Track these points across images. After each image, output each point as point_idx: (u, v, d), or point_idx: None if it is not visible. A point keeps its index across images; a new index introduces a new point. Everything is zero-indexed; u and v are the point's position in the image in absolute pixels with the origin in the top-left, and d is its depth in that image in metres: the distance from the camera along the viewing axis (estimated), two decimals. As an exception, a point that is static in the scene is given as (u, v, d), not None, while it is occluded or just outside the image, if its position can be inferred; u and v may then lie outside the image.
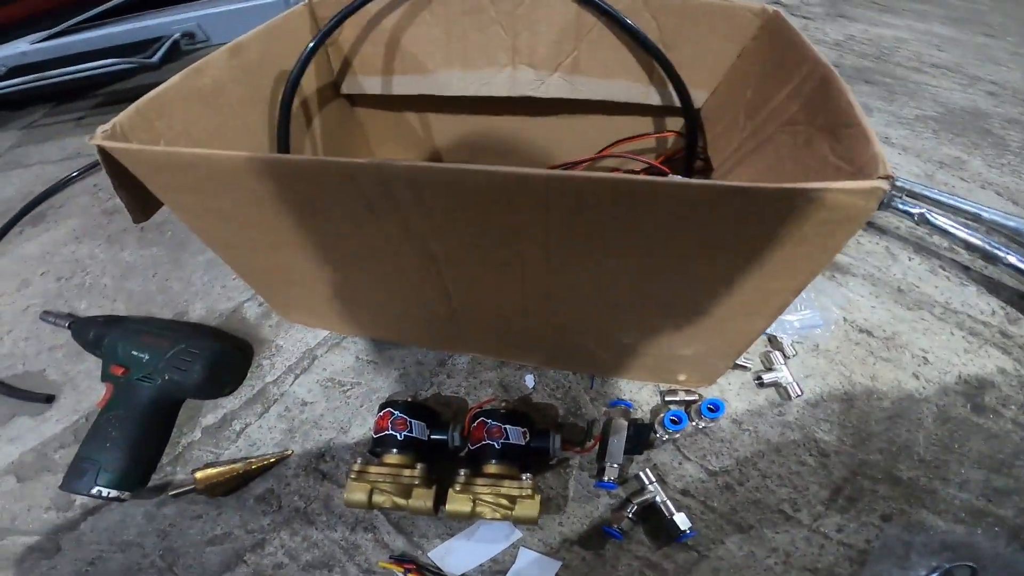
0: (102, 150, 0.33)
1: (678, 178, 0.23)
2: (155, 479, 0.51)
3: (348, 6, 0.49)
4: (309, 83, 0.53)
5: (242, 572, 0.48)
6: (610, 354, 0.47)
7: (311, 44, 0.49)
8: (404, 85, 0.55)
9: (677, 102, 0.50)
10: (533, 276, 0.34)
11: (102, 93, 1.16)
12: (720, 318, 0.36)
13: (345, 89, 0.57)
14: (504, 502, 0.43)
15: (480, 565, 0.46)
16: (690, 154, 0.52)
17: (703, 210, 0.25)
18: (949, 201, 0.61)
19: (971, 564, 0.43)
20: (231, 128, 0.43)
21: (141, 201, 0.36)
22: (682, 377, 0.49)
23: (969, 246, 0.58)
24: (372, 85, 0.56)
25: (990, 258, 0.57)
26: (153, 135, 0.37)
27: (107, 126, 0.34)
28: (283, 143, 0.49)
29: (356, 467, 0.45)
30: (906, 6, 1.09)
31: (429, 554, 0.47)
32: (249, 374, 0.56)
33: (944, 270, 0.59)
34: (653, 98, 0.51)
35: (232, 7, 0.90)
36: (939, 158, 0.76)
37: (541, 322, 0.43)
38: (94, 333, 0.54)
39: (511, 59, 0.51)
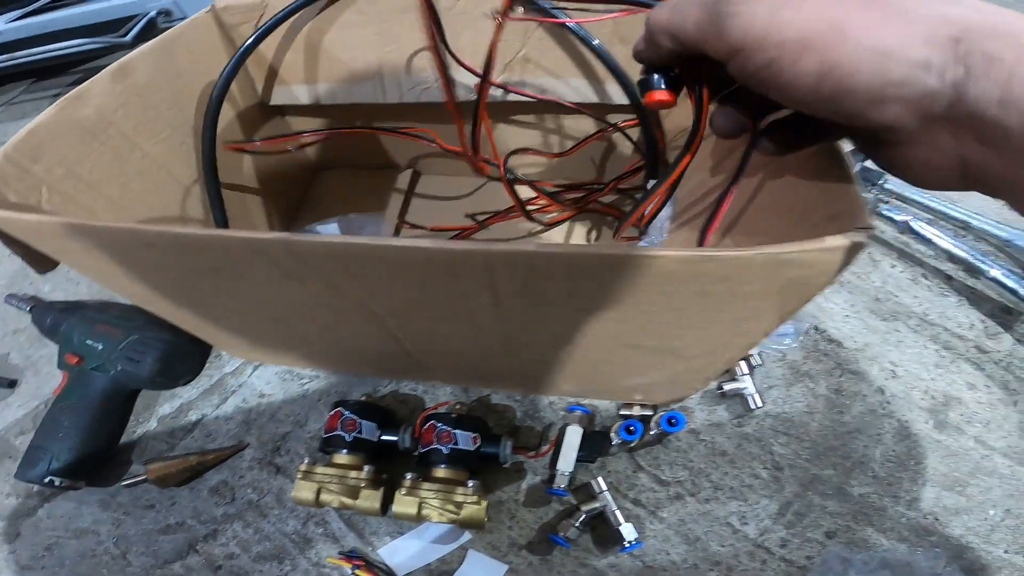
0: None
1: (637, 247, 0.21)
2: (112, 465, 0.51)
3: (274, 17, 0.45)
4: (228, 99, 0.48)
5: (194, 561, 0.49)
6: (576, 385, 0.46)
7: (235, 59, 0.45)
8: (333, 94, 0.51)
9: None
10: (487, 327, 0.31)
11: (81, 70, 1.13)
12: (686, 356, 0.34)
13: (274, 100, 0.52)
14: (450, 507, 0.43)
15: (428, 565, 0.46)
16: (652, 157, 0.50)
17: (671, 277, 0.23)
18: (938, 206, 0.59)
19: (907, 584, 0.43)
20: (129, 162, 0.38)
21: (38, 255, 0.31)
22: (638, 397, 0.48)
23: (952, 257, 0.56)
24: (301, 94, 0.52)
25: (973, 270, 0.55)
26: (32, 182, 0.32)
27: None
28: (211, 173, 0.45)
29: (303, 467, 0.45)
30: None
31: (379, 551, 0.47)
32: (207, 364, 0.55)
33: (926, 279, 0.57)
34: (609, 95, 0.47)
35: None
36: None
37: (502, 361, 0.41)
38: (51, 319, 0.53)
39: (452, 61, 0.46)
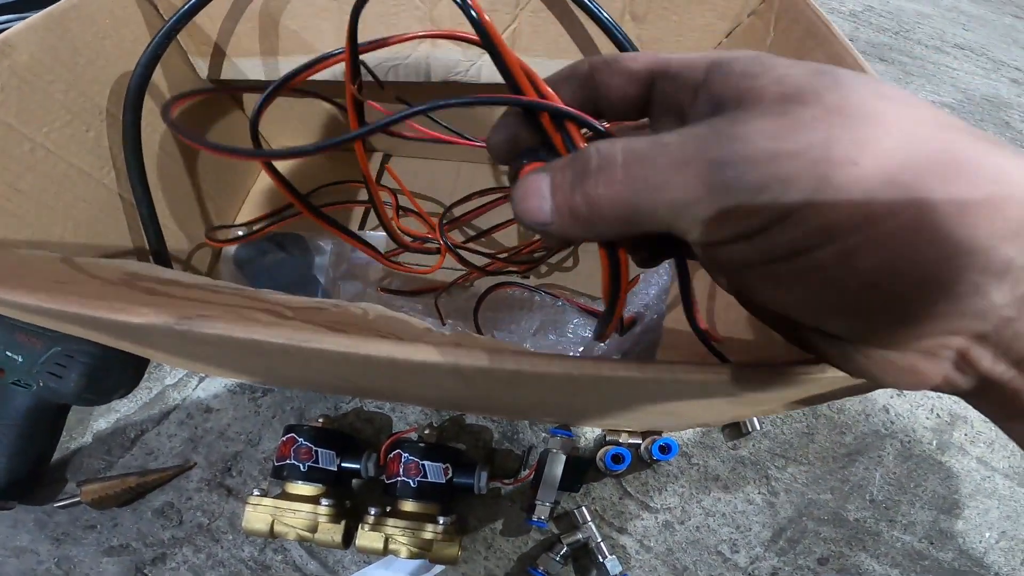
0: None
1: (646, 366, 0.16)
2: (45, 484, 0.46)
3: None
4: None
5: (142, 587, 0.45)
6: (558, 419, 0.42)
7: (164, 31, 0.36)
8: (288, 69, 0.43)
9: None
10: (455, 390, 0.26)
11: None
12: (688, 417, 0.30)
13: (224, 74, 0.44)
14: (419, 544, 0.39)
15: (397, 595, 0.43)
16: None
17: (689, 392, 0.18)
18: None
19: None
20: (14, 156, 0.31)
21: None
22: (627, 429, 0.44)
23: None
24: (253, 69, 0.43)
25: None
26: None
27: None
28: (135, 162, 0.38)
29: (252, 499, 0.40)
30: (935, -29, 0.95)
31: (343, 581, 0.44)
32: (147, 374, 0.49)
33: None
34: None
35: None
36: (951, 141, 0.67)
37: (474, 405, 0.36)
38: (-34, 324, 0.46)
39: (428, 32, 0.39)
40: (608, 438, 0.44)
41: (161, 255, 0.39)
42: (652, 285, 0.43)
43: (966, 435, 0.47)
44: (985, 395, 0.13)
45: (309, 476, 0.40)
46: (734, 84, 0.14)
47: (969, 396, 0.14)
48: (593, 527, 0.42)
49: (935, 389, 0.14)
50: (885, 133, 0.11)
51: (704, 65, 0.15)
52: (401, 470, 0.39)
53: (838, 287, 0.12)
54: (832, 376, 0.17)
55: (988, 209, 0.11)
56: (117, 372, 0.46)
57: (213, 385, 0.49)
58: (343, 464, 0.41)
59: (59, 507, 0.46)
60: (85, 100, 0.36)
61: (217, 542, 0.45)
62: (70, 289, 0.19)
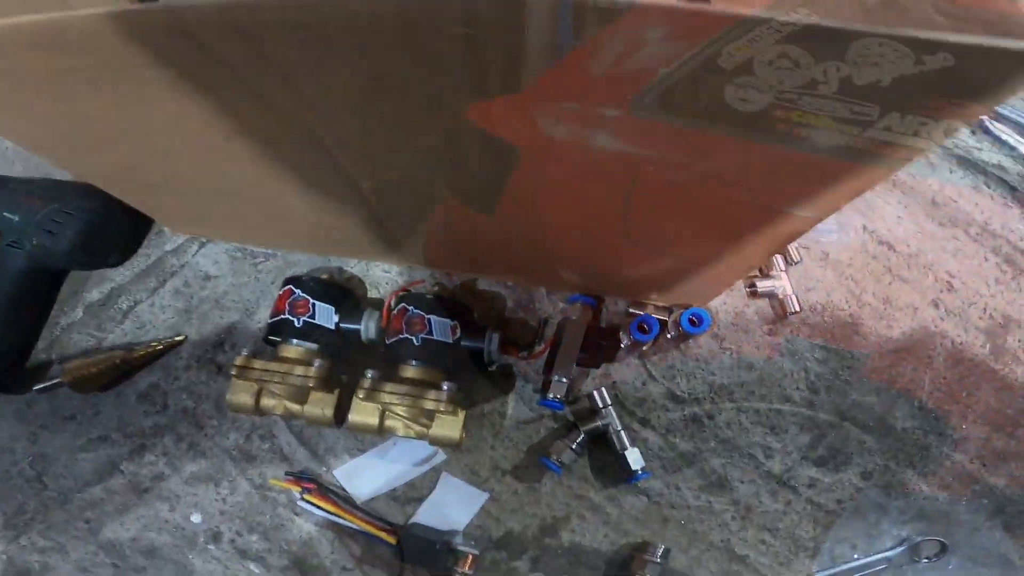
0: None
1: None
2: (31, 368, 0.43)
3: None
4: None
5: (117, 483, 0.42)
6: (578, 273, 0.39)
7: None
8: None
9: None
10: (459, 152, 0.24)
11: None
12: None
13: None
14: (420, 418, 0.36)
15: (393, 490, 0.39)
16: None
17: None
18: (1015, 116, 0.52)
19: (942, 540, 0.37)
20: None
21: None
22: (653, 295, 0.40)
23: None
24: None
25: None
26: None
27: None
28: None
29: (239, 360, 0.36)
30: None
31: (334, 472, 0.40)
32: (147, 241, 0.46)
33: (989, 187, 0.49)
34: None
35: None
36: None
37: (492, 229, 0.33)
38: (-36, 190, 0.45)
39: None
40: (632, 309, 0.40)
41: None
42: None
43: (1020, 341, 0.43)
44: None
45: (304, 334, 0.37)
46: None
47: None
48: (613, 413, 0.38)
49: None
50: None
51: None
52: (404, 327, 0.36)
53: None
54: None
55: None
56: (115, 232, 0.43)
57: (214, 250, 0.45)
58: (342, 324, 0.38)
59: (39, 390, 0.42)
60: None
61: (201, 429, 0.42)
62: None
